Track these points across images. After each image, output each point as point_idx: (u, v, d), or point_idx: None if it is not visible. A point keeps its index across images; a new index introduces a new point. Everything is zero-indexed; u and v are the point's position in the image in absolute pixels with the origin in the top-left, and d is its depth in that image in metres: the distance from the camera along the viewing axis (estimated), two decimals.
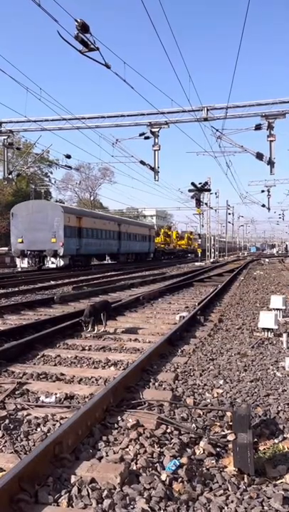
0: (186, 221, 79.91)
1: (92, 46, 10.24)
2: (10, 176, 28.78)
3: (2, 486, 2.14)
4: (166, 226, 60.64)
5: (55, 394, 4.00)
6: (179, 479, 2.57)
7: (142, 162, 24.34)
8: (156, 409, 3.62)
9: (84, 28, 9.74)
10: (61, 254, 24.34)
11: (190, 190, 35.05)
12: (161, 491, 2.40)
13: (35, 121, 23.91)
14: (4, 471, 2.61)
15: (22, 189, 51.47)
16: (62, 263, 24.57)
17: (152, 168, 24.20)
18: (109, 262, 36.21)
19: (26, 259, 25.23)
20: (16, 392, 4.07)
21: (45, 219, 24.67)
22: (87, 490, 2.40)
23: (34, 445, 2.98)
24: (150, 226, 48.87)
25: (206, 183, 35.84)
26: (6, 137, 26.36)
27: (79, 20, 9.54)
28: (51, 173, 63.90)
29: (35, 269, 25.04)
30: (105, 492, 2.38)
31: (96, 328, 6.98)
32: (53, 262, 24.65)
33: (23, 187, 52.09)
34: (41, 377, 4.60)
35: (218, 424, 3.36)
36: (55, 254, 24.35)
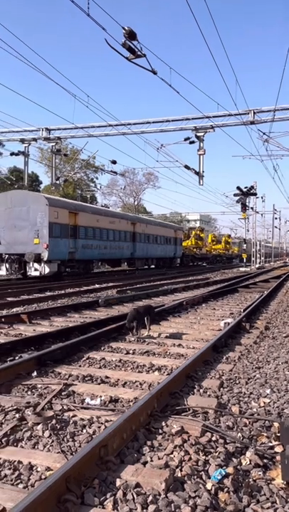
0: (231, 226, 78.70)
1: (139, 53, 10.37)
2: (57, 182, 29.64)
3: (50, 485, 2.19)
4: (198, 228, 54.17)
5: (100, 396, 4.04)
6: (225, 489, 2.52)
7: (186, 167, 24.28)
8: (201, 416, 3.57)
9: (131, 35, 9.87)
10: (45, 258, 19.23)
11: (235, 195, 34.56)
12: (207, 500, 2.37)
13: (82, 128, 24.49)
14: (52, 470, 2.67)
15: (68, 194, 52.76)
16: (47, 270, 19.43)
17: (197, 173, 24.08)
18: (125, 268, 31.45)
19: (4, 264, 20.13)
20: (63, 393, 4.16)
21: (26, 214, 19.73)
22: (132, 494, 2.40)
23: (80, 446, 3.03)
24: (177, 227, 42.83)
25: (252, 187, 35.23)
26: (54, 144, 27.17)
27: (126, 28, 9.69)
28: (97, 178, 65.14)
29: (19, 277, 20.18)
30: (150, 497, 2.37)
31: (139, 332, 7.01)
32: (36, 269, 19.56)
33: (69, 192, 53.40)
34: (86, 379, 4.67)
35: (265, 434, 3.27)
36: (39, 259, 19.33)
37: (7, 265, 19.96)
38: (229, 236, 65.52)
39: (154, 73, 11.85)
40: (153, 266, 34.84)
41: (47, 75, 15.07)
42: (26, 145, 27.31)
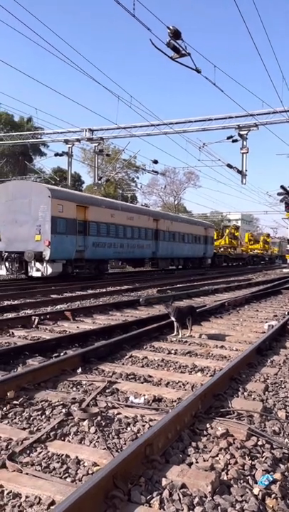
0: (274, 225, 76.89)
1: (183, 52, 10.34)
2: (99, 182, 30.06)
3: (98, 481, 2.23)
4: (232, 226, 50.24)
5: (144, 395, 4.07)
6: (273, 495, 2.48)
7: (229, 165, 23.99)
8: (246, 419, 3.52)
9: (176, 34, 9.86)
10: (47, 257, 17.09)
11: (279, 194, 33.65)
12: (254, 505, 2.33)
13: (124, 128, 24.72)
14: (98, 465, 2.72)
15: (110, 194, 53.43)
16: (49, 270, 17.32)
17: (240, 172, 23.74)
18: (148, 269, 29.04)
19: (4, 263, 17.99)
20: (107, 391, 4.22)
21: (28, 207, 17.64)
22: (178, 495, 2.40)
23: (125, 444, 3.06)
24: (207, 224, 39.11)
25: None
26: (96, 144, 27.62)
27: (171, 28, 9.69)
28: (138, 178, 65.54)
29: (21, 277, 18.45)
30: (196, 499, 2.36)
31: (181, 332, 6.99)
32: (38, 269, 17.52)
33: (110, 192, 54.04)
34: (130, 377, 4.71)
35: None
36: (41, 258, 17.23)
37: (7, 264, 17.93)
38: (268, 235, 61.19)
39: (198, 72, 11.77)
40: (180, 267, 32.30)
41: (91, 76, 15.32)
42: (70, 145, 27.92)
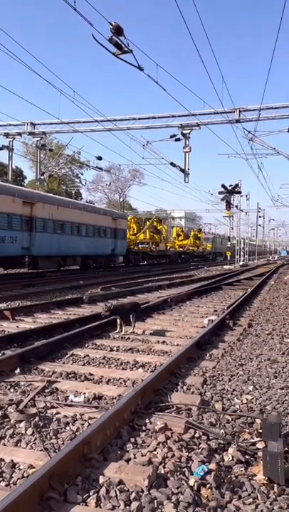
0: (216, 223, 79.12)
1: (125, 49, 10.33)
2: (42, 177, 29.36)
3: (32, 483, 2.18)
4: (154, 217, 43.61)
5: (84, 393, 4.03)
6: (208, 485, 2.55)
7: (172, 164, 24.34)
8: (185, 413, 3.59)
9: (118, 30, 9.82)
10: None
11: (220, 193, 34.73)
12: (190, 497, 2.38)
13: (67, 123, 24.31)
14: (34, 468, 2.66)
15: (53, 190, 52.42)
16: None
17: (182, 170, 24.16)
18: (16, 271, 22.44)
19: None
20: (46, 391, 4.13)
21: None
22: (115, 491, 2.40)
23: (63, 443, 3.02)
24: (117, 214, 31.68)
25: (237, 186, 35.50)
26: (39, 139, 26.94)
27: (113, 24, 9.64)
28: (82, 174, 64.87)
29: None
30: (133, 494, 2.38)
31: (124, 329, 7.01)
32: None
33: (54, 188, 53.06)
34: (70, 376, 4.65)
35: (248, 431, 3.31)
36: None
37: None
38: (200, 230, 56.75)
39: (141, 69, 11.82)
40: (77, 267, 25.87)
41: (33, 68, 14.89)
42: (11, 139, 27.02)
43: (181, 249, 46.63)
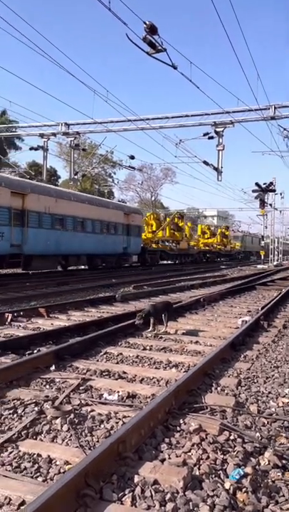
0: (249, 222, 77.84)
1: (159, 47, 10.31)
2: (75, 177, 29.77)
3: (69, 479, 2.21)
4: (176, 213, 39.83)
5: (118, 392, 4.06)
6: (244, 489, 2.51)
7: (205, 162, 24.16)
8: (219, 414, 3.55)
9: (152, 30, 9.82)
10: None
11: (254, 191, 34.20)
12: (225, 500, 2.35)
13: (100, 123, 24.55)
14: (70, 464, 2.70)
15: (86, 189, 53.06)
16: None
17: (216, 168, 23.94)
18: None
19: None
20: (81, 388, 4.18)
21: None
22: (151, 491, 2.40)
23: (98, 441, 3.05)
24: (130, 209, 28.78)
25: (271, 184, 34.85)
26: (72, 139, 27.34)
27: (147, 23, 9.63)
28: (114, 173, 65.32)
29: None
30: (168, 495, 2.37)
31: (156, 328, 7.01)
32: None
33: (87, 187, 53.66)
34: (104, 374, 4.69)
35: (284, 435, 3.24)
36: None
37: None
38: (227, 228, 53.29)
39: (175, 68, 11.77)
40: (83, 267, 23.92)
41: (67, 69, 15.10)
42: (45, 140, 27.58)
43: (206, 247, 44.05)
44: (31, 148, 28.43)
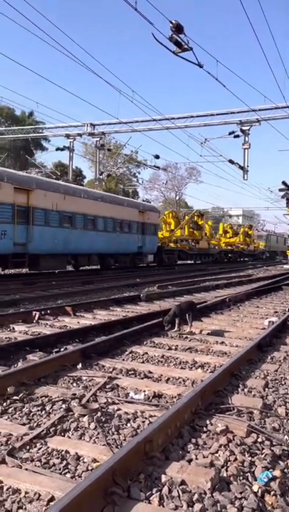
0: (275, 221, 76.66)
1: (185, 46, 10.27)
2: (101, 177, 29.98)
3: (98, 477, 2.23)
4: (195, 211, 38.82)
5: (144, 391, 4.07)
6: (272, 492, 2.48)
7: (230, 161, 23.93)
8: (246, 416, 3.52)
9: (178, 29, 9.79)
10: None
11: (280, 190, 33.58)
12: (254, 503, 2.33)
13: (126, 123, 24.64)
14: (98, 462, 2.72)
15: (111, 189, 53.37)
16: None
17: (241, 167, 23.69)
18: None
19: None
20: (107, 386, 4.22)
21: None
22: (178, 491, 2.40)
23: (125, 440, 3.06)
24: (145, 206, 27.51)
25: None
26: (98, 139, 27.54)
27: (174, 22, 9.61)
28: (139, 173, 65.47)
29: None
30: (196, 496, 2.36)
31: (181, 328, 6.99)
32: None
33: (112, 187, 53.96)
34: (130, 373, 4.71)
35: None
36: None
37: None
38: (251, 227, 50.99)
39: (201, 66, 11.71)
40: (95, 266, 22.86)
41: (93, 70, 15.23)
42: (71, 140, 27.88)
43: (228, 247, 42.72)
44: (57, 149, 28.82)
